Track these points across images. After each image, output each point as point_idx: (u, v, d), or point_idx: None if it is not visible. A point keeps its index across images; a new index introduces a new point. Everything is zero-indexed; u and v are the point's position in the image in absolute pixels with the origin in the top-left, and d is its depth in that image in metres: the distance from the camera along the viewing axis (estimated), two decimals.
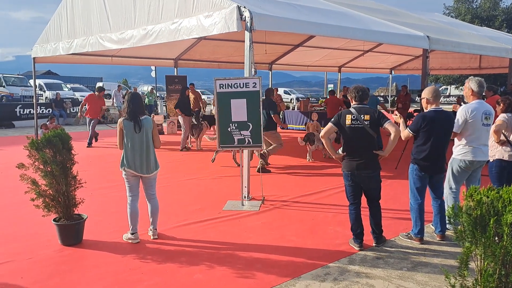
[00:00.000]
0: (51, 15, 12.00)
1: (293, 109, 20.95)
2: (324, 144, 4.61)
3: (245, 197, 6.23)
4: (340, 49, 15.81)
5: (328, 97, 14.09)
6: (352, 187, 4.57)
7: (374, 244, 4.67)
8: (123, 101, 18.93)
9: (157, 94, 25.23)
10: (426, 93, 4.70)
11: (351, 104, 4.64)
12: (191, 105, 11.89)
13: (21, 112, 18.00)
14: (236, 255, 4.40)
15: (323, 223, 5.43)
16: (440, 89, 33.66)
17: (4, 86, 26.29)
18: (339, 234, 5.02)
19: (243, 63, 6.20)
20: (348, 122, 4.45)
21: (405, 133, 4.72)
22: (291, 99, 36.51)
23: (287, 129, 15.96)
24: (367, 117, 4.42)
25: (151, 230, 4.86)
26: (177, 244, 4.70)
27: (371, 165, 4.49)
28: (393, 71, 21.36)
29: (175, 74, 15.40)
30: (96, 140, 12.34)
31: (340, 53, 16.67)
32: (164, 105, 20.23)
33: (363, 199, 4.66)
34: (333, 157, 4.67)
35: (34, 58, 12.55)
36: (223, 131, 6.05)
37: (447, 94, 37.18)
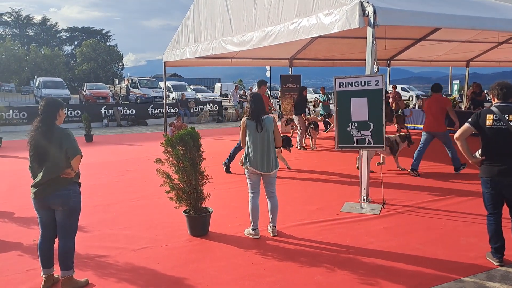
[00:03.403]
0: (178, 22, 13.10)
1: (414, 107, 19.64)
2: (459, 147, 4.19)
3: (364, 199, 6.01)
4: (469, 41, 14.31)
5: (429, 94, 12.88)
6: (492, 195, 4.09)
7: None
8: (240, 101, 19.69)
9: (270, 93, 25.86)
10: None
11: (493, 102, 4.15)
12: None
13: (153, 111, 20.01)
14: (358, 260, 4.26)
15: (454, 232, 4.97)
16: None
17: (138, 88, 29.58)
18: (473, 246, 4.54)
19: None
20: (489, 122, 3.99)
21: None
22: (409, 97, 34.38)
23: (407, 128, 15.04)
24: None
25: (270, 227, 4.97)
26: (296, 243, 4.73)
27: None
28: None
29: (290, 73, 15.57)
30: None
31: (469, 46, 15.10)
32: (277, 104, 20.62)
33: (504, 209, 4.14)
34: (470, 161, 4.22)
35: (164, 62, 13.81)
36: (341, 131, 5.91)
37: None
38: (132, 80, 31.91)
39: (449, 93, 25.35)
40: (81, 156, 3.60)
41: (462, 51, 15.87)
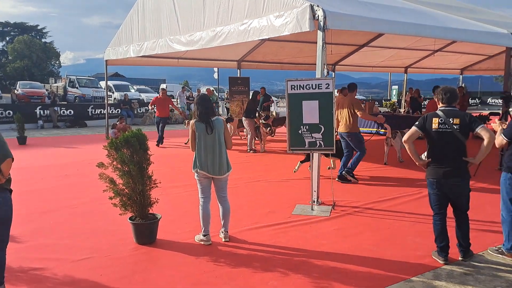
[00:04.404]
0: (120, 20, 12.61)
1: None
2: (407, 150, 4.29)
3: (314, 201, 6.04)
4: (407, 48, 15.09)
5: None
6: (438, 196, 4.23)
7: (460, 258, 4.30)
8: (187, 103, 19.30)
9: (218, 95, 25.63)
10: None
11: (438, 106, 4.30)
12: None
13: (93, 112, 19.06)
14: (311, 263, 4.23)
15: (401, 232, 5.10)
16: None
17: (77, 88, 28.09)
18: (419, 245, 4.68)
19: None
20: (434, 126, 4.13)
21: (499, 139, 4.29)
22: None
23: None
24: (456, 120, 4.08)
25: (222, 232, 4.82)
26: (249, 248, 4.61)
27: (460, 173, 4.14)
28: (463, 72, 20.07)
29: (238, 75, 15.50)
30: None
31: (407, 53, 15.93)
32: (225, 107, 20.48)
33: (449, 209, 4.30)
34: (416, 163, 4.34)
35: (106, 60, 13.19)
36: (293, 134, 5.90)
37: None
38: (70, 79, 30.26)
39: (388, 98, 26.56)
40: (12, 159, 3.24)
41: (401, 58, 16.68)
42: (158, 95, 13.43)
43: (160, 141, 12.17)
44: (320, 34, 5.69)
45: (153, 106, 12.68)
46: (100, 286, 3.75)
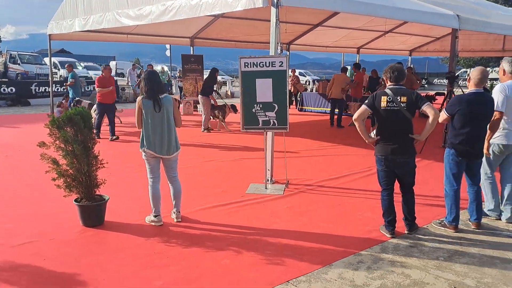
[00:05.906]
0: None
1: (311, 90, 20.59)
2: (357, 128, 4.36)
3: (268, 180, 6.05)
4: (359, 29, 15.31)
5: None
6: (386, 172, 4.35)
7: (406, 232, 4.47)
8: (138, 80, 18.55)
9: (171, 74, 24.95)
10: (473, 74, 4.43)
11: (386, 85, 4.38)
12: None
13: (37, 90, 18.00)
14: (264, 241, 4.24)
15: (351, 208, 5.23)
16: (459, 72, 32.82)
17: (19, 64, 26.33)
18: (368, 220, 4.82)
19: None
20: (383, 104, 4.20)
21: (442, 115, 4.48)
22: (306, 81, 36.01)
23: (304, 111, 15.75)
24: (403, 99, 4.16)
25: (174, 213, 4.72)
26: (201, 227, 4.55)
27: (407, 150, 4.27)
28: (412, 53, 20.75)
29: (191, 53, 15.11)
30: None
31: (360, 34, 16.17)
32: (178, 85, 20.01)
33: (396, 185, 4.44)
34: (366, 141, 4.43)
35: (49, 35, 12.39)
36: (247, 112, 5.82)
37: (466, 77, 36.28)
38: (11, 54, 28.28)
39: None
40: None
41: (353, 38, 16.92)
42: (101, 74, 10.13)
43: (113, 133, 9.79)
44: (273, 10, 5.61)
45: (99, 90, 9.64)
46: (43, 271, 3.57)
